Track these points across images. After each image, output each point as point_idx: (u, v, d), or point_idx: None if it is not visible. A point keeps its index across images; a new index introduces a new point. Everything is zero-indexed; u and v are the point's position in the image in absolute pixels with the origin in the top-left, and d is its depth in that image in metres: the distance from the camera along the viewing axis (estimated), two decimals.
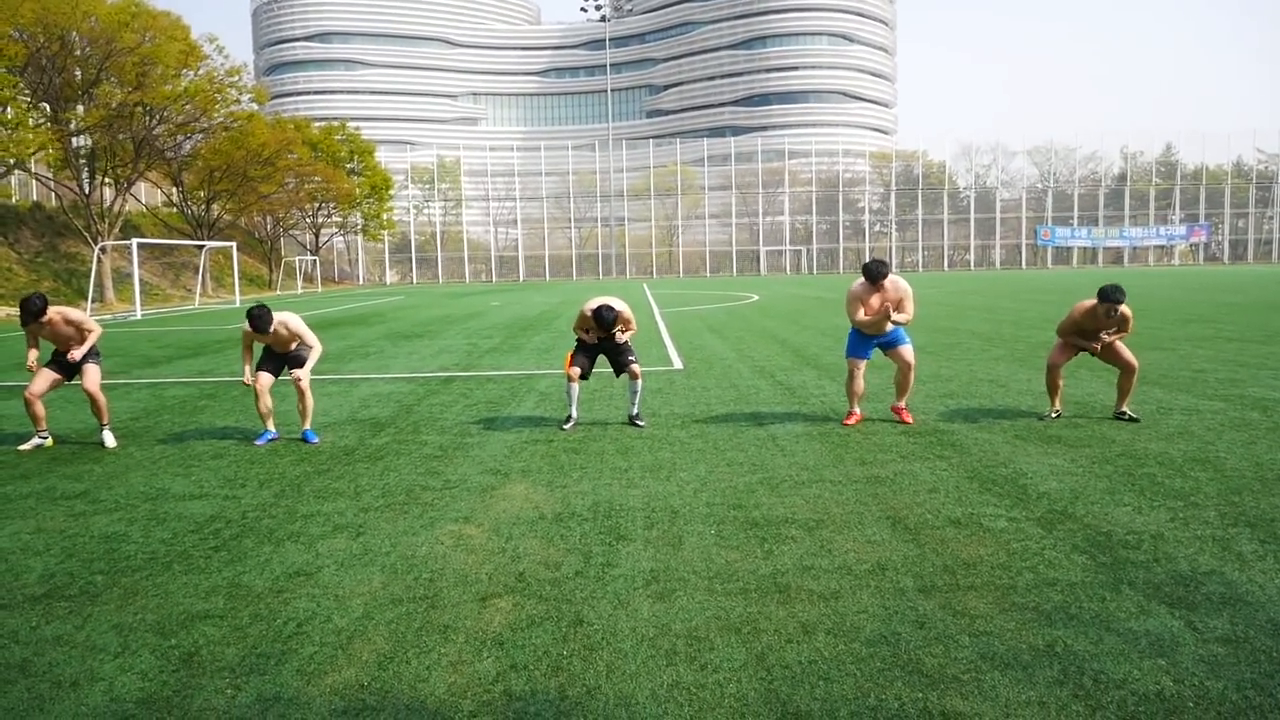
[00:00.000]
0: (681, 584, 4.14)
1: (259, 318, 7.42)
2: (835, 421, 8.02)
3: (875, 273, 7.61)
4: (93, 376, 7.78)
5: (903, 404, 8.06)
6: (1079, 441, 6.98)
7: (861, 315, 7.77)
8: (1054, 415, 7.89)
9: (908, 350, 7.91)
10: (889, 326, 7.76)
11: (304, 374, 7.66)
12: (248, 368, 7.80)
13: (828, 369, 11.60)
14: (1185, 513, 5.07)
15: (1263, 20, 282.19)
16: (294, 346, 7.80)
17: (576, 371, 7.87)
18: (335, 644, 3.57)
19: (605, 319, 7.65)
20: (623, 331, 7.93)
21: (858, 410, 8.06)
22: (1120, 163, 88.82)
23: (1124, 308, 7.50)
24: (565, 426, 7.97)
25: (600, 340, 8.01)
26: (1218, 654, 3.31)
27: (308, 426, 7.81)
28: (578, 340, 8.12)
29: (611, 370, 8.26)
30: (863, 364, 7.96)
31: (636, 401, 8.14)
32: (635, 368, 7.98)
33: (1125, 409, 7.86)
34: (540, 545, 4.76)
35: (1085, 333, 7.77)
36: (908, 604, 3.84)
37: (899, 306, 7.69)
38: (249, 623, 3.80)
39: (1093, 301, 7.54)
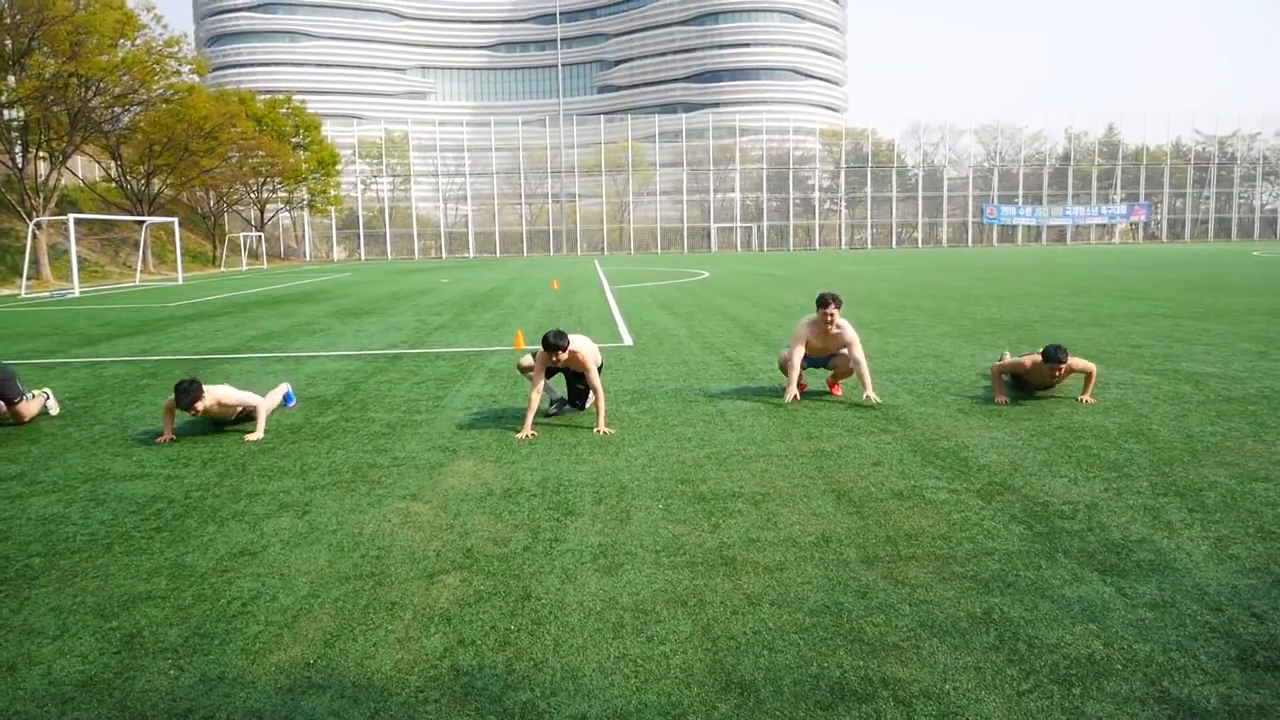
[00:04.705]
0: (629, 558, 4.17)
1: (184, 392, 6.57)
2: (783, 397, 8.09)
3: (824, 300, 7.62)
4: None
5: (838, 381, 8.17)
6: (1019, 415, 7.13)
7: (798, 357, 7.77)
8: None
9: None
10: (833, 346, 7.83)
11: (258, 435, 6.88)
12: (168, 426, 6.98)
13: (777, 345, 11.69)
14: (1119, 483, 5.22)
15: (1203, 4, 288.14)
16: (237, 413, 7.09)
17: (541, 382, 7.03)
18: (280, 622, 3.55)
19: (549, 342, 6.72)
20: (577, 369, 7.08)
21: (795, 385, 7.85)
22: (1064, 142, 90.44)
23: (1075, 360, 7.37)
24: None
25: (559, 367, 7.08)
26: (1146, 618, 3.43)
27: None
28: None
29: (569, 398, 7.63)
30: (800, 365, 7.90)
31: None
32: (595, 384, 6.99)
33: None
34: (488, 521, 4.76)
35: (1023, 384, 7.78)
36: (850, 575, 3.92)
37: (849, 351, 7.70)
38: (192, 603, 3.76)
39: (1036, 356, 7.45)
